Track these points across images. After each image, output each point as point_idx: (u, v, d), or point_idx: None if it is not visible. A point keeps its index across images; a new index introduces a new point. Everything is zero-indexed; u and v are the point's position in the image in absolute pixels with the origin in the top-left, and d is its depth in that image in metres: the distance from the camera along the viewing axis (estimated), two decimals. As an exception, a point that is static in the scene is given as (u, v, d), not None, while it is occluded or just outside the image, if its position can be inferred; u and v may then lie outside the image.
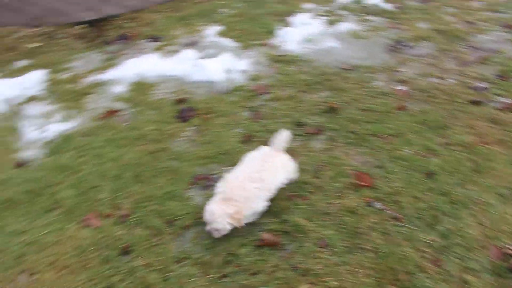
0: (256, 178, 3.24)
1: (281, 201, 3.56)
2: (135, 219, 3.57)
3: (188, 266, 3.18)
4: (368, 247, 3.19)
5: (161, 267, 3.18)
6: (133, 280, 3.12)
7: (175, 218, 3.51)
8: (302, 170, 3.79)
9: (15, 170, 4.26)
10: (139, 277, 3.13)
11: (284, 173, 3.47)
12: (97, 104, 5.14)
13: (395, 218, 3.39)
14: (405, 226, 3.33)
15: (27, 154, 4.47)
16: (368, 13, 7.10)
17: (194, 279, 3.09)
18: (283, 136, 3.51)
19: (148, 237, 3.39)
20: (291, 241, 3.30)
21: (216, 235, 3.24)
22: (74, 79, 5.69)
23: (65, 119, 4.94)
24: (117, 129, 4.64)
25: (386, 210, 3.47)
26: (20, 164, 4.32)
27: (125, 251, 3.32)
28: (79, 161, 4.24)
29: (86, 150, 4.38)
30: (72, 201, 3.81)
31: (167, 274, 3.13)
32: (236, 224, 3.17)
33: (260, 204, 3.31)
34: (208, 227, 3.23)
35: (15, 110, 5.20)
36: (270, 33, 6.53)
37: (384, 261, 3.07)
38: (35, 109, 5.18)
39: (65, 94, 5.37)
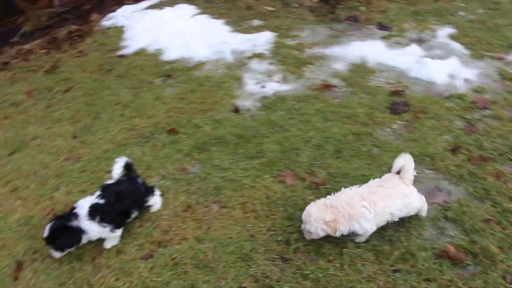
0: (366, 198, 3.06)
1: (478, 221, 3.28)
2: (326, 189, 3.64)
3: (364, 249, 3.16)
4: None
5: (337, 241, 3.22)
6: (309, 243, 3.23)
7: (364, 202, 3.50)
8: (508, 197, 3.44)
9: (231, 114, 4.73)
10: (315, 242, 3.22)
11: (400, 204, 3.14)
12: (315, 75, 5.33)
13: None
14: None
15: (244, 103, 4.91)
16: None
17: (366, 263, 3.08)
18: (406, 163, 3.20)
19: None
20: (475, 264, 3.02)
21: (308, 236, 3.19)
22: (299, 47, 5.98)
23: (283, 80, 5.25)
24: (328, 102, 4.75)
25: None
26: (237, 110, 4.77)
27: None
28: (288, 122, 4.48)
29: (296, 114, 4.60)
30: (274, 155, 4.07)
31: (342, 250, 3.16)
32: (330, 233, 3.05)
33: (364, 225, 3.09)
34: (302, 226, 3.17)
35: (242, 63, 5.75)
36: (509, 47, 5.89)
37: None
38: (258, 65, 5.64)
39: (288, 59, 5.70)
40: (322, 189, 3.65)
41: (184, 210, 3.66)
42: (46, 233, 3.16)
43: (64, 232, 3.17)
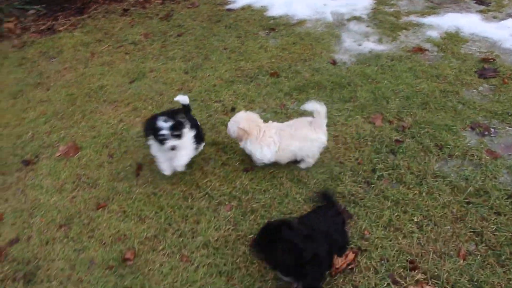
0: (277, 133, 3.66)
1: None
2: (411, 132, 4.08)
3: (441, 183, 3.56)
4: None
5: (418, 173, 3.66)
6: (392, 172, 3.70)
7: (445, 145, 3.88)
8: None
9: (329, 65, 5.25)
10: (398, 173, 3.69)
11: (298, 146, 3.65)
12: (409, 39, 5.69)
13: None
14: None
15: (341, 57, 5.41)
16: None
17: (442, 193, 3.49)
18: (316, 110, 3.55)
19: (417, 150, 3.90)
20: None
21: (228, 133, 3.83)
22: (396, 14, 6.35)
23: (378, 42, 5.68)
24: (419, 63, 5.11)
25: None
26: (334, 63, 5.28)
27: (393, 152, 3.91)
28: (380, 76, 4.93)
29: (388, 70, 5.03)
30: (366, 100, 4.56)
31: (422, 180, 3.60)
32: (237, 138, 3.75)
33: (265, 152, 3.68)
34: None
35: (340, 23, 6.24)
36: None
37: None
38: (356, 27, 6.11)
39: (385, 23, 6.10)
40: (408, 132, 4.09)
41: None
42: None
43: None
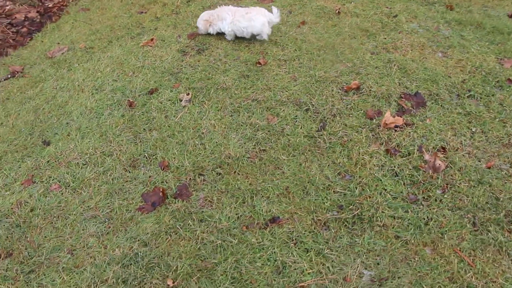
0: (232, 10, 4.95)
1: None
2: None
3: None
4: None
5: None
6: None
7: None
8: None
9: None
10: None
11: (245, 23, 4.85)
12: None
13: None
14: None
15: None
16: None
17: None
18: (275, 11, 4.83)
19: None
20: None
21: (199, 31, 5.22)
22: None
23: None
24: None
25: None
26: None
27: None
28: None
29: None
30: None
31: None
32: (203, 28, 5.11)
33: (225, 24, 4.95)
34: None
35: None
36: None
37: None
38: None
39: None
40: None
41: None
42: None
43: None
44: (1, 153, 4.04)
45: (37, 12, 6.99)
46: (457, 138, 3.66)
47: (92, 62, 5.21)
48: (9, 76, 5.31)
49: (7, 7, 7.13)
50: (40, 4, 7.19)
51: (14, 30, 6.55)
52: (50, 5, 7.12)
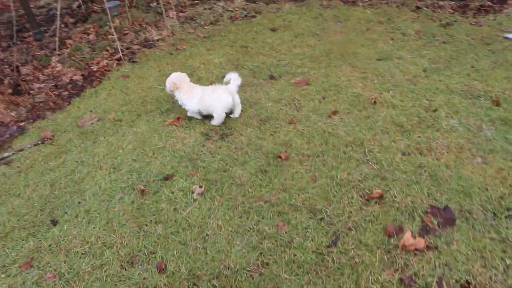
0: (202, 91, 5.07)
1: None
2: None
3: None
4: None
5: None
6: None
7: None
8: None
9: None
10: None
11: (207, 104, 5.05)
12: None
13: None
14: None
15: None
16: None
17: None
18: (232, 78, 5.06)
19: None
20: None
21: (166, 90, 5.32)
22: None
23: None
24: None
25: None
26: None
27: None
28: None
29: None
30: None
31: None
32: (169, 90, 5.21)
33: (190, 104, 5.14)
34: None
35: None
36: None
37: None
38: None
39: None
40: None
41: None
42: None
43: None
44: (10, 228, 4.03)
45: (81, 75, 7.24)
46: (487, 271, 3.18)
47: (117, 136, 5.26)
48: (39, 142, 5.43)
49: (57, 69, 7.43)
50: (86, 67, 7.42)
51: (57, 93, 6.78)
52: (95, 69, 7.34)
